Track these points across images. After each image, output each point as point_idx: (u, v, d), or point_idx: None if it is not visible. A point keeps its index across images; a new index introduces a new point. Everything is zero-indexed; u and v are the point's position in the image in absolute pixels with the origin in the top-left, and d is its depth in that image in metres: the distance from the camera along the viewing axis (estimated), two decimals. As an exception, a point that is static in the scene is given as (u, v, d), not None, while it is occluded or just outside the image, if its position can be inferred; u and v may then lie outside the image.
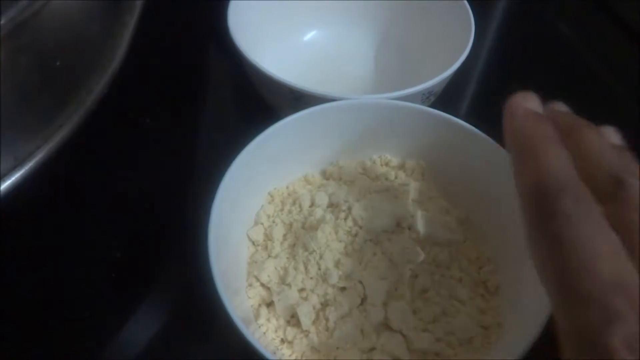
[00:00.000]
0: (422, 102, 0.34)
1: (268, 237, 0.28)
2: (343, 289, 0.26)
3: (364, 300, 0.26)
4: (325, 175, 0.31)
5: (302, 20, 0.42)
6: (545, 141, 0.17)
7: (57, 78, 0.23)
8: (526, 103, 0.18)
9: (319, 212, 0.28)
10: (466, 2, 0.37)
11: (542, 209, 0.15)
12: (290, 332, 0.25)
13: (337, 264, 0.26)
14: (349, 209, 0.27)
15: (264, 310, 0.26)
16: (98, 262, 0.31)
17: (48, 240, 0.31)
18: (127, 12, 0.27)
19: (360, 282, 0.26)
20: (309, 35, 0.43)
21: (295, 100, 0.31)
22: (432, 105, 0.35)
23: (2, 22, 0.19)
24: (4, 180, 0.20)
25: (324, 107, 0.29)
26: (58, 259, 0.31)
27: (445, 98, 0.36)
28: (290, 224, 0.28)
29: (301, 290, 0.26)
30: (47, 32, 0.22)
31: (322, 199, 0.29)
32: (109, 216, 0.33)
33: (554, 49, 0.47)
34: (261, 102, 0.36)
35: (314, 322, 0.25)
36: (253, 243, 0.28)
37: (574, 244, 0.15)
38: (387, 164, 0.31)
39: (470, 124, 0.28)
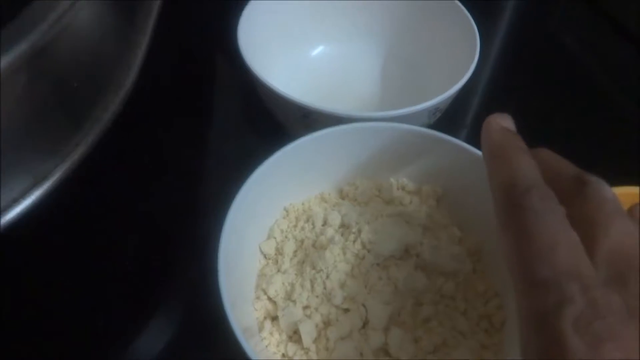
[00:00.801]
0: (429, 118, 0.34)
1: (279, 251, 0.29)
2: (346, 310, 0.26)
3: (365, 323, 0.26)
4: (341, 194, 0.31)
5: (310, 36, 0.43)
6: (516, 150, 0.19)
7: (74, 98, 0.24)
8: (501, 121, 0.21)
9: (329, 232, 0.28)
10: (471, 18, 0.37)
11: (511, 203, 0.17)
12: (291, 348, 0.26)
13: (342, 285, 0.26)
14: (359, 231, 0.28)
15: (268, 324, 0.26)
16: (109, 274, 0.32)
17: (60, 252, 0.32)
18: (140, 32, 0.28)
19: (364, 305, 0.26)
20: (317, 51, 0.43)
21: (303, 117, 0.32)
22: (439, 119, 0.36)
23: (23, 47, 0.20)
24: (24, 200, 0.21)
25: (342, 128, 0.29)
26: (69, 270, 0.31)
27: (451, 112, 0.36)
28: (302, 241, 0.29)
29: (305, 307, 0.26)
30: (65, 54, 0.23)
31: (335, 219, 0.29)
32: (120, 227, 0.34)
33: (559, 62, 0.46)
34: (270, 116, 0.37)
35: (315, 341, 0.26)
36: (265, 256, 0.29)
37: (536, 234, 0.16)
38: (403, 188, 0.31)
39: (477, 137, 0.28)
